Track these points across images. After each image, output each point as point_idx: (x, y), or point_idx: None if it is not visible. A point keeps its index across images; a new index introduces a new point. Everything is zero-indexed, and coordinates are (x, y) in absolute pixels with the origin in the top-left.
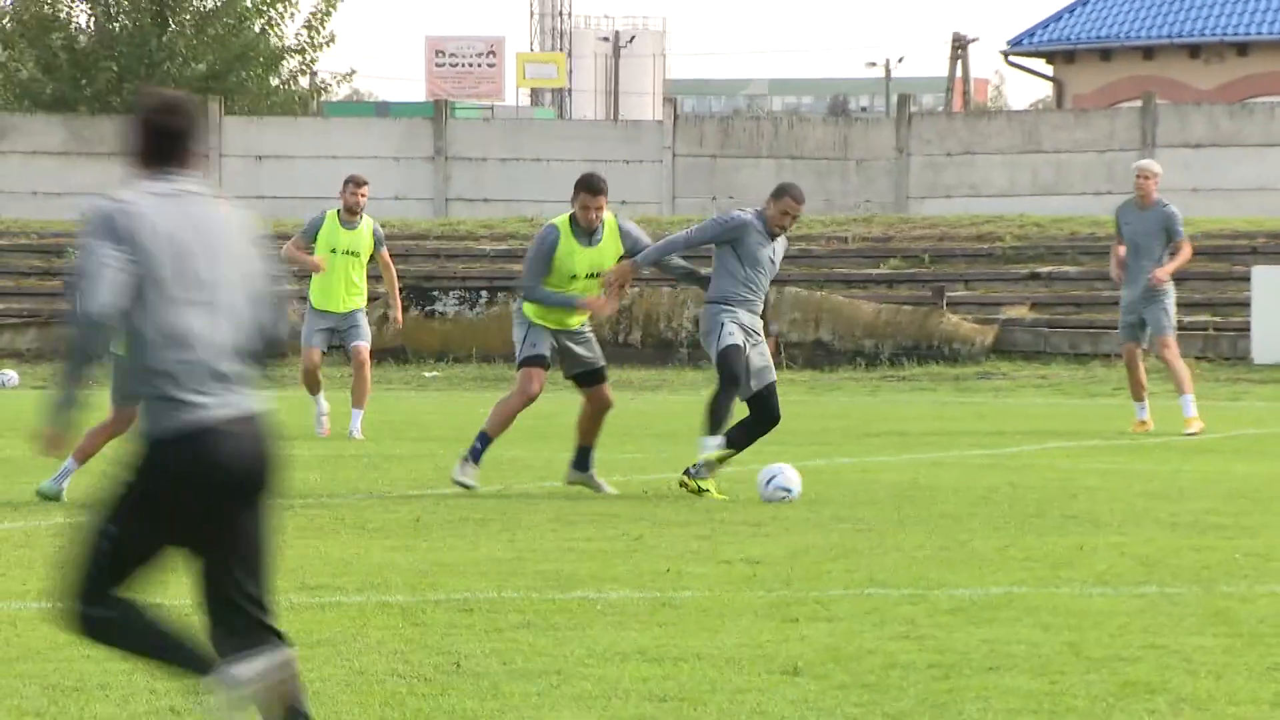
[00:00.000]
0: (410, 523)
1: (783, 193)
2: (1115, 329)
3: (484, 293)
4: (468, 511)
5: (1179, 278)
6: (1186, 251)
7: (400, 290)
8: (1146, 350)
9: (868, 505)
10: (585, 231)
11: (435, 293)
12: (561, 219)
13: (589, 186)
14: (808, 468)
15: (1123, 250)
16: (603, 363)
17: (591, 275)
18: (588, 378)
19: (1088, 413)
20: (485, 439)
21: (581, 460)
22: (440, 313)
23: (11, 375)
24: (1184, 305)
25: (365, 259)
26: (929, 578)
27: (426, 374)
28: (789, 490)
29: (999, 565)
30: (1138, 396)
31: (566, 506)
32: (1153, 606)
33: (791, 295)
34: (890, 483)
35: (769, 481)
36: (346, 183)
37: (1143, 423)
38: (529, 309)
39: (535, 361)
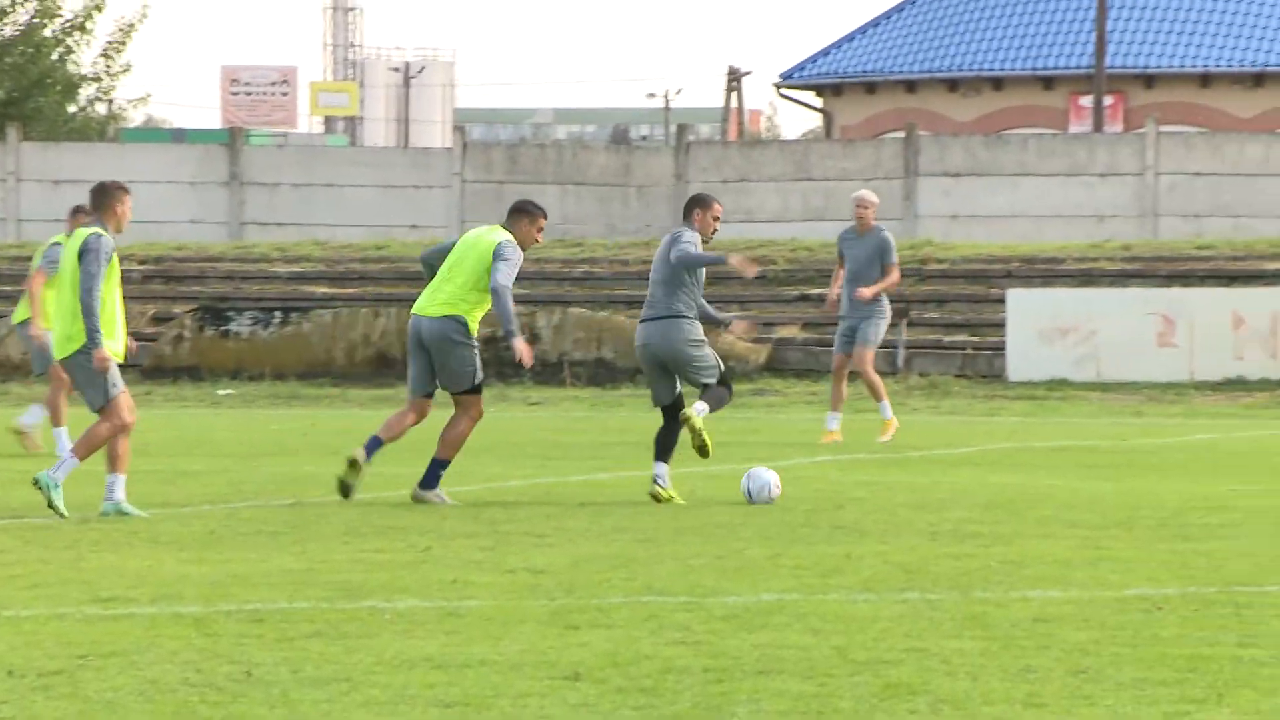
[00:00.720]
0: (204, 535)
1: (709, 201)
2: (881, 349)
3: (277, 313)
4: (260, 525)
5: (938, 300)
6: (894, 276)
7: (194, 310)
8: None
9: (647, 516)
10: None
11: (230, 313)
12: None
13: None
14: (591, 481)
15: (842, 274)
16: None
17: None
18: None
19: (855, 427)
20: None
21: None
22: (234, 332)
23: None
24: (945, 326)
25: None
26: (704, 585)
27: (220, 392)
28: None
29: (771, 573)
30: (834, 407)
31: (357, 519)
32: (914, 611)
33: (575, 315)
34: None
35: (761, 488)
36: (75, 212)
37: (831, 433)
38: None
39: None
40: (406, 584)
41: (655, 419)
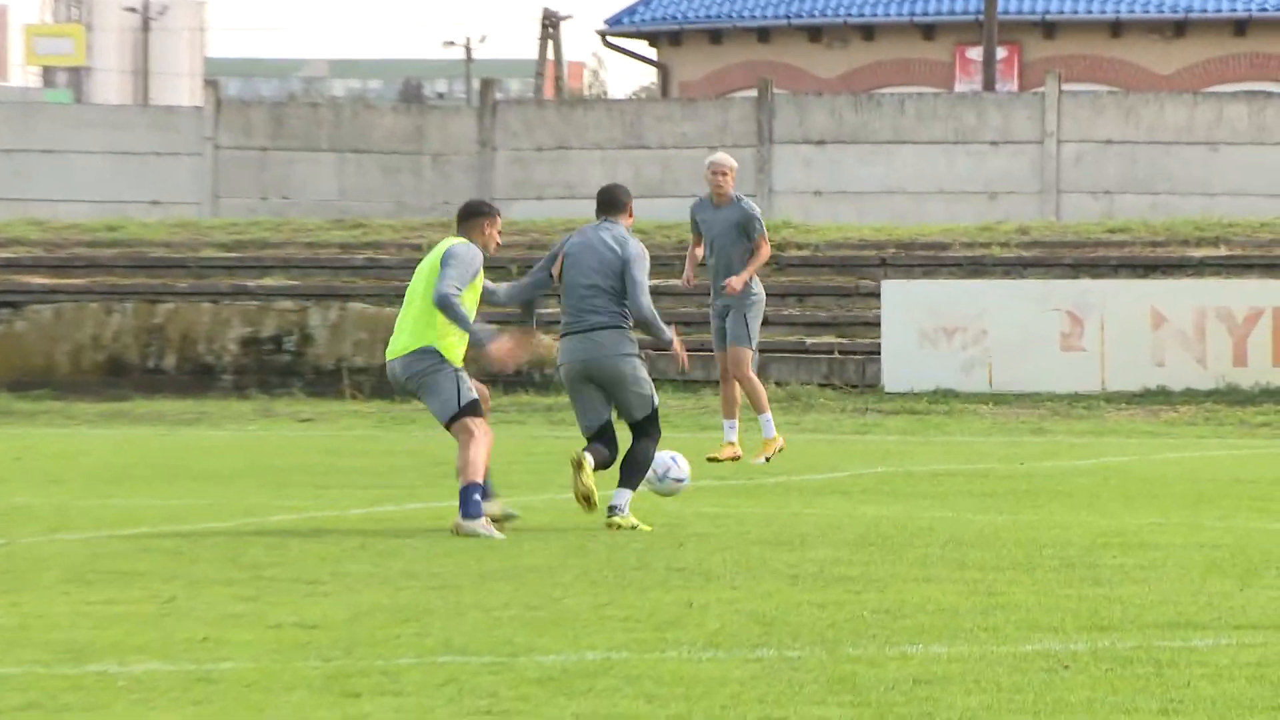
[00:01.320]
0: None
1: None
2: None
3: None
4: None
5: (798, 293)
6: (764, 252)
7: None
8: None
9: (443, 557)
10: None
11: None
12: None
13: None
14: (373, 515)
15: (700, 251)
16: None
17: None
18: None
19: (699, 448)
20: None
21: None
22: None
23: None
24: (807, 325)
25: None
26: (514, 642)
27: None
28: (683, 480)
29: (595, 627)
30: (729, 413)
31: (83, 564)
32: (770, 672)
33: (356, 312)
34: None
35: (664, 474)
36: None
37: (731, 444)
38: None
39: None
40: (145, 643)
41: (451, 440)
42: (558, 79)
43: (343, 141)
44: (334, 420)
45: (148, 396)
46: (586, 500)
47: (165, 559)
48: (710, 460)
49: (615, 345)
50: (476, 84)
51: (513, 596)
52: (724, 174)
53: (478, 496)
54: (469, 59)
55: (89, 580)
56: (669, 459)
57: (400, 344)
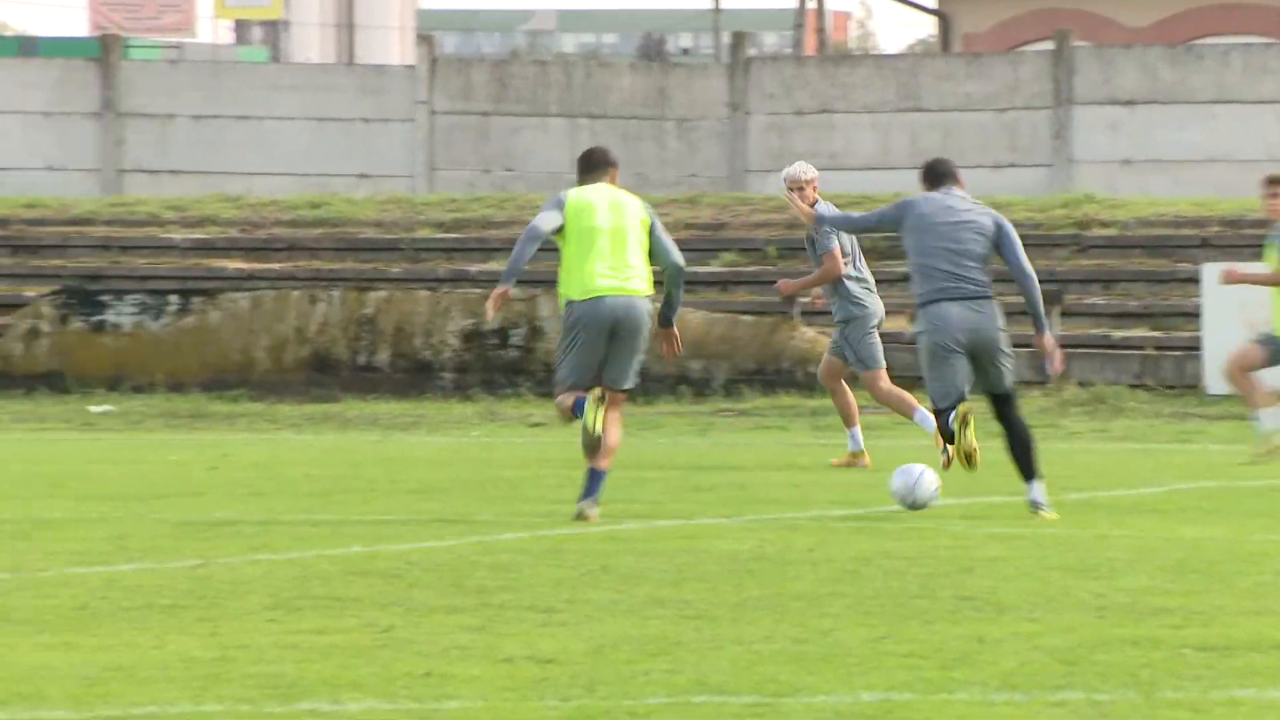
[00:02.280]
0: (73, 611)
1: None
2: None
3: (173, 297)
4: (151, 596)
5: (1104, 279)
6: (825, 269)
7: (55, 293)
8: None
9: (696, 583)
10: None
11: (105, 297)
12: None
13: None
14: (615, 533)
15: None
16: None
17: None
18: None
19: (989, 459)
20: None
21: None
22: (113, 324)
23: None
24: (1115, 316)
25: None
26: (778, 680)
27: (94, 408)
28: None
29: (872, 664)
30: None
31: (289, 588)
32: (1075, 718)
33: None
34: (726, 553)
35: (916, 482)
36: None
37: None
38: None
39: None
40: (361, 678)
41: (700, 448)
42: (820, 31)
43: (575, 105)
44: (566, 425)
45: (358, 397)
46: (968, 459)
47: (381, 583)
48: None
49: (997, 316)
50: (726, 38)
51: (775, 628)
52: (799, 189)
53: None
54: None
55: (296, 607)
56: (924, 470)
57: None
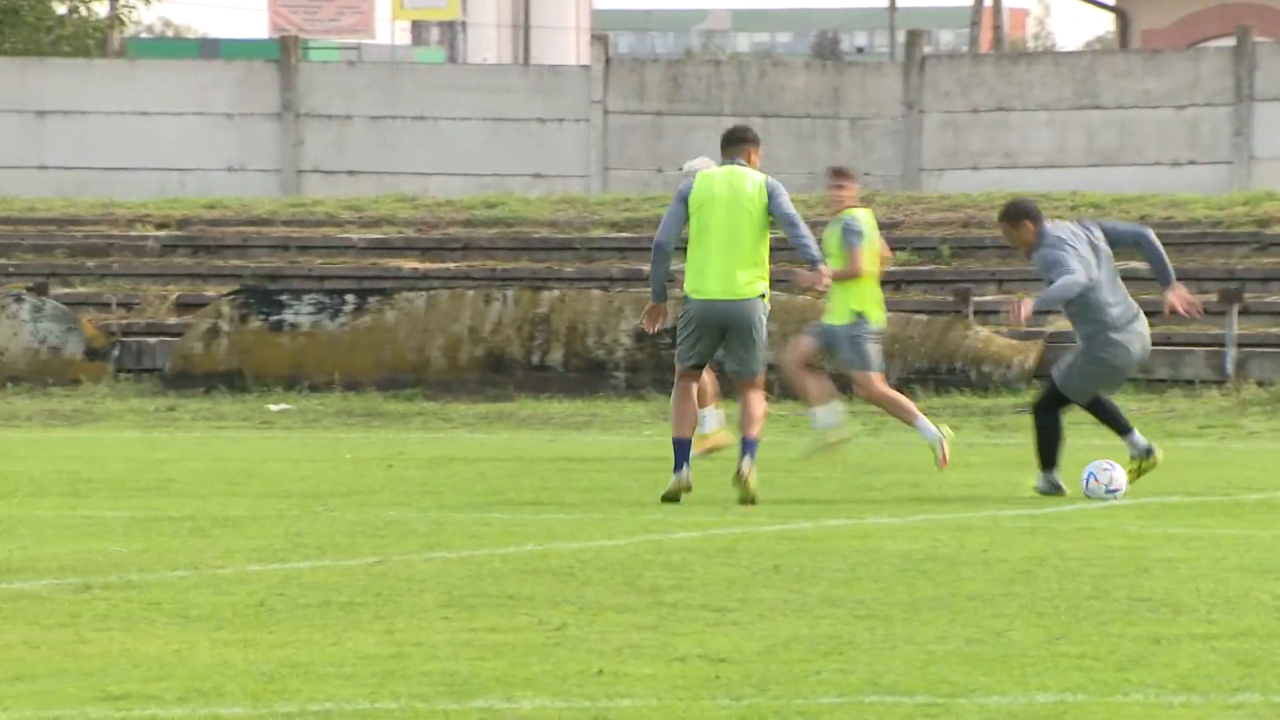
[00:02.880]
0: (251, 608)
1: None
2: (1202, 347)
3: (350, 297)
4: (328, 593)
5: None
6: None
7: (235, 293)
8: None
9: (868, 582)
10: None
11: (284, 297)
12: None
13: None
14: (787, 532)
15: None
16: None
17: None
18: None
19: (1165, 459)
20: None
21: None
22: (291, 324)
23: None
24: None
25: None
26: (952, 681)
27: (272, 407)
28: (1117, 491)
29: (1046, 664)
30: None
31: (462, 585)
32: None
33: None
34: (898, 552)
35: (1097, 476)
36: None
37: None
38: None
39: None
40: (534, 676)
41: (872, 446)
42: (996, 29)
43: (748, 105)
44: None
45: (532, 396)
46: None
47: (554, 581)
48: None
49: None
50: (901, 36)
51: (949, 629)
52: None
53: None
54: (893, 7)
55: (470, 605)
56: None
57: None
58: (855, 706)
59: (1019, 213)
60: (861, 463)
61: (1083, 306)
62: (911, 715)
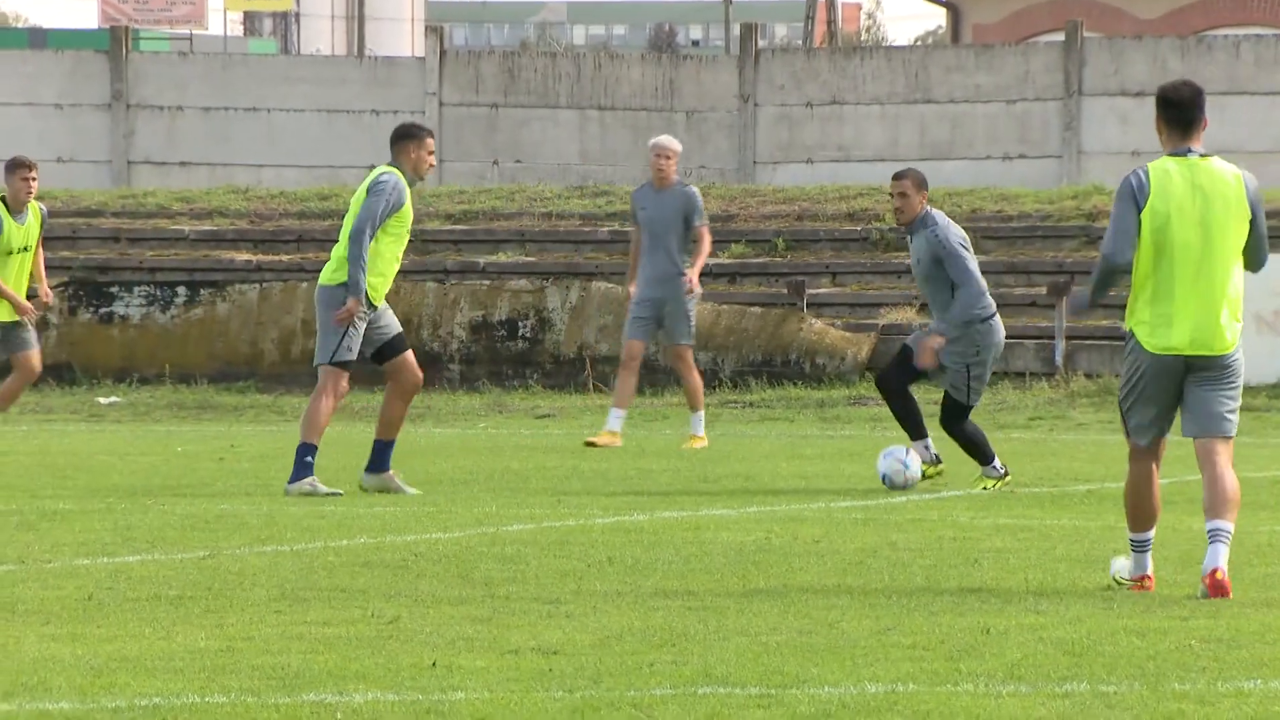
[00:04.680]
0: (79, 602)
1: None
2: (1032, 339)
3: (181, 289)
4: (158, 587)
5: None
6: (706, 242)
7: (63, 285)
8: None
9: (702, 574)
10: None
11: (114, 288)
12: None
13: None
14: (621, 524)
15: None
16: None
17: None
18: (389, 350)
19: (998, 449)
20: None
21: (379, 459)
22: (121, 316)
23: None
24: (1120, 307)
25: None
26: (785, 672)
27: (102, 400)
28: (907, 466)
29: (878, 655)
30: (621, 404)
31: (295, 579)
32: (1081, 709)
33: (600, 292)
34: (732, 544)
35: (887, 454)
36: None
37: (613, 434)
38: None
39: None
40: (366, 669)
41: (707, 439)
42: (830, 23)
43: (585, 98)
44: (576, 416)
45: (366, 389)
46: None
47: (387, 574)
48: (587, 444)
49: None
50: (736, 30)
51: (781, 620)
52: (668, 157)
53: (309, 459)
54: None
55: (302, 598)
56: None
57: (326, 270)
58: (688, 698)
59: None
60: (696, 455)
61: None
62: (745, 706)
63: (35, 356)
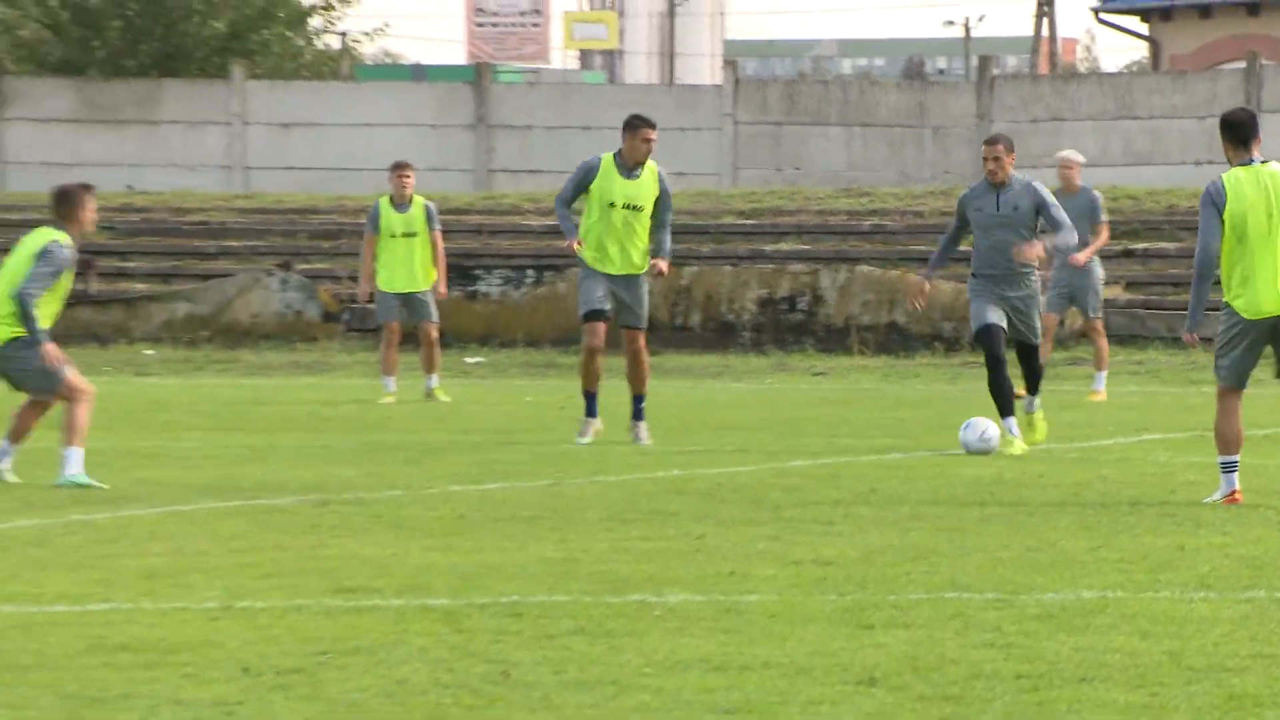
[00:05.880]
0: (452, 521)
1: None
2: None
3: (530, 272)
4: (514, 509)
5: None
6: (1104, 235)
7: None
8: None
9: (947, 503)
10: (627, 166)
11: (478, 272)
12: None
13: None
14: (882, 461)
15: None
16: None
17: (628, 206)
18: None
19: (1189, 402)
20: (589, 396)
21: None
22: (483, 294)
23: None
24: None
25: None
26: (1015, 581)
27: (469, 360)
28: (991, 441)
29: (1091, 568)
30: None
31: (622, 504)
32: (1260, 613)
33: (863, 274)
34: (971, 478)
35: (982, 434)
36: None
37: (1097, 394)
38: (586, 254)
39: (594, 316)
40: (678, 576)
41: (951, 393)
42: (1052, 54)
43: (850, 116)
44: (843, 374)
45: (676, 351)
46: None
47: (696, 500)
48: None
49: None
50: (975, 61)
51: (1012, 539)
52: (1071, 168)
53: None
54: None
55: (627, 519)
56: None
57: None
58: (938, 601)
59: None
60: (944, 405)
61: None
62: (982, 608)
63: (432, 328)
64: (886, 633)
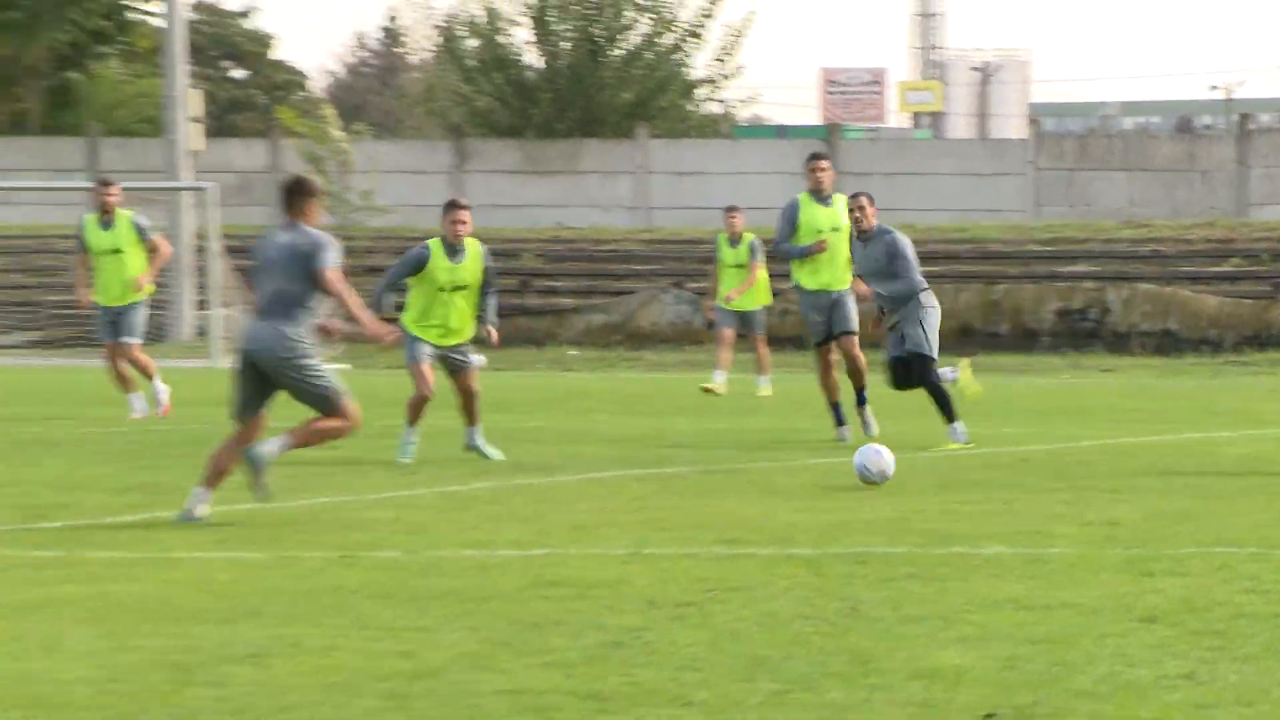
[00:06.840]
0: (812, 486)
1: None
2: None
3: None
4: (852, 477)
5: None
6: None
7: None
8: None
9: (1213, 475)
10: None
11: None
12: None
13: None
14: (1159, 442)
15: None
16: None
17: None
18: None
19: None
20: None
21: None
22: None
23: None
24: None
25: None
26: (1272, 538)
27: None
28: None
29: None
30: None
31: (947, 474)
32: None
33: (1143, 291)
34: (1234, 455)
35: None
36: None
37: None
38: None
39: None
40: (993, 532)
41: (1214, 386)
42: None
43: (1131, 163)
44: (1126, 372)
45: (988, 354)
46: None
47: (1005, 472)
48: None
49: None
50: (1235, 118)
51: (1270, 505)
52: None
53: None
54: (1229, 99)
55: (951, 486)
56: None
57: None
58: (1207, 555)
59: None
60: (1206, 397)
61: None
62: (1244, 561)
63: (759, 341)
64: (1164, 580)
